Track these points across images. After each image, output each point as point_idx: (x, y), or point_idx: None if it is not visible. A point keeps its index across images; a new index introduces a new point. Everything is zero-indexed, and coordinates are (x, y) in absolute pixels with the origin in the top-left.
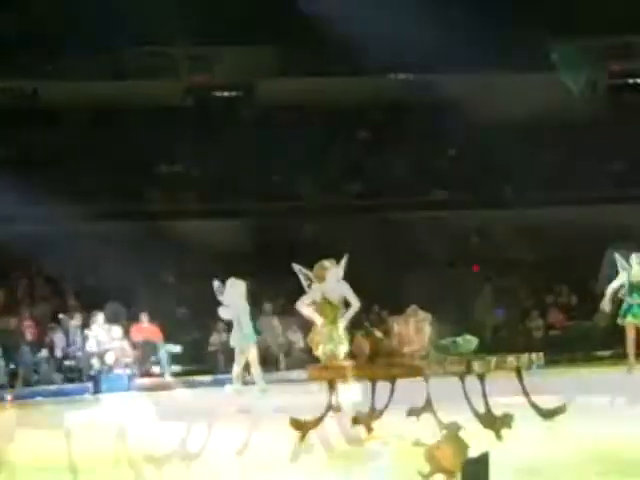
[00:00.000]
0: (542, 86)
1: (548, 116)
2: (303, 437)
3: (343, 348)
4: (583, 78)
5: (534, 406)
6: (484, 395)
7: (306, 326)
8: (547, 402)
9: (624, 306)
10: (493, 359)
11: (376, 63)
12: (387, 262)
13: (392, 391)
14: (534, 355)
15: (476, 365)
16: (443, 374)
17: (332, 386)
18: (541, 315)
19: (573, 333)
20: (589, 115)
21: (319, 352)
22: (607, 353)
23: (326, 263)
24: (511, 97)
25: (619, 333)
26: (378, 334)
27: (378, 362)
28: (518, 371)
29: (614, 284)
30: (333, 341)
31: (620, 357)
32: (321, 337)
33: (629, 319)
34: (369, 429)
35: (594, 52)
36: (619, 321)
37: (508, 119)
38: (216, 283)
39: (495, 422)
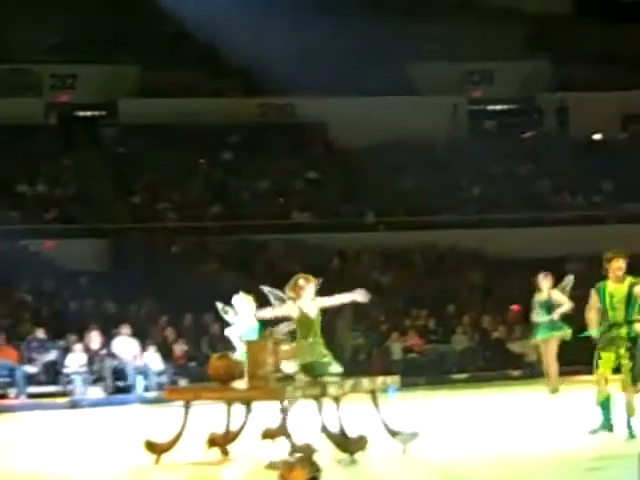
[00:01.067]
0: (403, 110)
1: (409, 140)
2: (158, 460)
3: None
4: (444, 103)
5: (388, 429)
6: (339, 418)
7: None
8: (402, 425)
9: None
10: (348, 382)
11: (238, 85)
12: (246, 284)
13: (248, 413)
14: (389, 378)
15: (331, 388)
16: (299, 397)
17: (187, 407)
18: (400, 338)
19: (430, 356)
20: (450, 140)
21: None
22: (463, 376)
23: (302, 280)
24: (372, 121)
25: (477, 357)
26: (234, 356)
27: (234, 384)
28: (373, 394)
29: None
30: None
31: (477, 379)
32: (302, 352)
33: (539, 337)
34: (224, 451)
35: (455, 78)
36: (531, 341)
37: (369, 142)
38: (219, 305)
39: (350, 445)
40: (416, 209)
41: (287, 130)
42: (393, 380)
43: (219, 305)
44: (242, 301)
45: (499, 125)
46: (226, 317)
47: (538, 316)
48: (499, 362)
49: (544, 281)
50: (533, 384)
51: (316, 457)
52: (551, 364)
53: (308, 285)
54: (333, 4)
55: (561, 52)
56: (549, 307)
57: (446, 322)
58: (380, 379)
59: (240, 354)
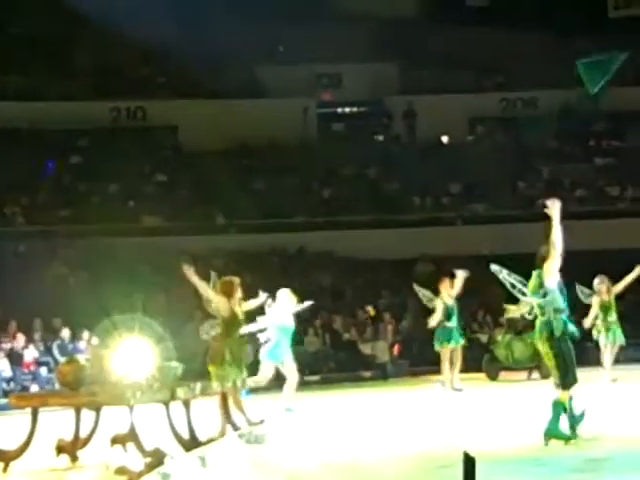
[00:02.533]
0: (253, 112)
1: (260, 142)
2: (6, 468)
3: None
4: (294, 106)
5: (240, 432)
6: (189, 421)
7: None
8: (257, 427)
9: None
10: (198, 385)
11: (89, 88)
12: (95, 288)
13: (97, 419)
14: (239, 381)
15: (180, 392)
16: (148, 402)
17: (35, 414)
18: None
19: None
20: (300, 142)
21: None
22: (315, 378)
23: (236, 279)
24: (222, 123)
25: (329, 359)
26: (83, 360)
27: (82, 390)
28: (224, 397)
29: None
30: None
31: (329, 381)
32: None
33: (452, 344)
34: (73, 458)
35: (305, 80)
36: (437, 347)
37: (220, 145)
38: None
39: (199, 447)
40: (267, 211)
41: (137, 133)
42: (244, 383)
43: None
44: (284, 297)
45: (348, 128)
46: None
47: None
48: (351, 363)
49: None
50: (384, 385)
51: (165, 461)
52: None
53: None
54: (184, 7)
55: (409, 55)
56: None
57: (298, 324)
58: (232, 382)
59: None
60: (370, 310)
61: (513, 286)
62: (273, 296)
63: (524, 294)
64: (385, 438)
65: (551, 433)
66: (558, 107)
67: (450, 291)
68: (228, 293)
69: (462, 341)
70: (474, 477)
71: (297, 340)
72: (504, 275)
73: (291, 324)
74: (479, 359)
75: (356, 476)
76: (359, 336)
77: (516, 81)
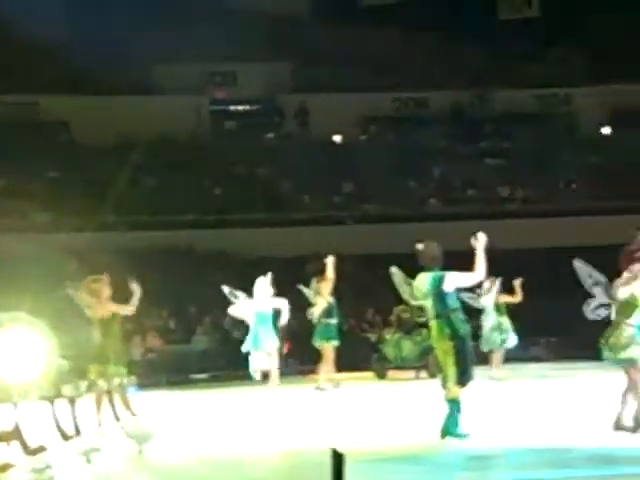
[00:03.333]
0: (146, 109)
1: (152, 140)
2: None
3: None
4: (187, 103)
5: (125, 430)
6: (74, 419)
7: None
8: (141, 425)
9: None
10: (84, 383)
11: None
12: None
13: None
14: (126, 378)
15: (66, 389)
16: (33, 399)
17: None
18: (140, 339)
19: (170, 356)
20: (192, 140)
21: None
22: (204, 376)
23: (102, 277)
24: (115, 120)
25: (218, 357)
26: None
27: None
28: (110, 395)
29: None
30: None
31: (218, 379)
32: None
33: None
34: None
35: (198, 78)
36: (317, 344)
37: (112, 141)
38: (226, 289)
39: (90, 446)
40: (157, 209)
41: (29, 129)
42: (130, 380)
43: (226, 289)
44: (261, 286)
45: (241, 126)
46: (235, 300)
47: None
48: (240, 362)
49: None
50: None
51: (48, 458)
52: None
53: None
54: (78, 3)
55: (302, 54)
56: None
57: (187, 322)
58: (117, 380)
59: None
60: None
61: (405, 290)
62: (158, 294)
63: (415, 298)
64: (265, 435)
65: (448, 431)
66: (449, 108)
67: (330, 289)
68: (96, 293)
69: (336, 341)
70: (342, 474)
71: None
72: (399, 280)
73: (269, 311)
74: (368, 358)
75: (231, 472)
76: (247, 334)
77: (408, 81)
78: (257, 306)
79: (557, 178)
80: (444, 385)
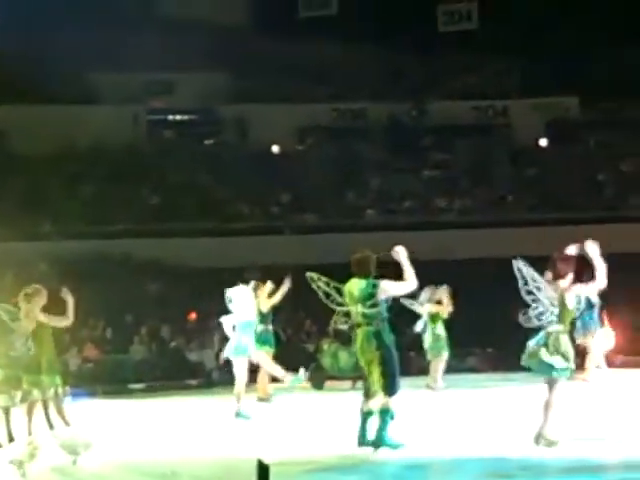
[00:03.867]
0: (84, 118)
1: (89, 149)
2: None
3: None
4: (125, 112)
5: (60, 440)
6: (8, 429)
7: None
8: (76, 435)
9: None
10: (18, 393)
11: None
12: None
13: None
14: (60, 388)
15: (0, 399)
16: None
17: None
18: (77, 349)
19: (107, 366)
20: (129, 149)
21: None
22: (141, 386)
23: (37, 287)
24: (52, 129)
25: (155, 367)
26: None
27: None
28: (45, 404)
29: None
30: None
31: (155, 389)
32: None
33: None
34: None
35: (136, 87)
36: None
37: (49, 151)
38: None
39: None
40: (93, 218)
41: None
42: (65, 390)
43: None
44: (240, 293)
45: (179, 135)
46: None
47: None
48: (177, 371)
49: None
50: (209, 393)
51: None
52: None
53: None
54: (15, 10)
55: (241, 64)
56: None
57: (124, 332)
58: (51, 390)
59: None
60: (192, 316)
61: (327, 295)
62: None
63: (339, 304)
64: (197, 445)
65: (381, 441)
66: (387, 119)
67: (266, 297)
68: (28, 302)
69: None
70: None
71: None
72: (319, 284)
73: (253, 318)
74: (305, 368)
75: None
76: (186, 344)
77: (346, 92)
78: (242, 315)
79: (493, 189)
80: (368, 395)
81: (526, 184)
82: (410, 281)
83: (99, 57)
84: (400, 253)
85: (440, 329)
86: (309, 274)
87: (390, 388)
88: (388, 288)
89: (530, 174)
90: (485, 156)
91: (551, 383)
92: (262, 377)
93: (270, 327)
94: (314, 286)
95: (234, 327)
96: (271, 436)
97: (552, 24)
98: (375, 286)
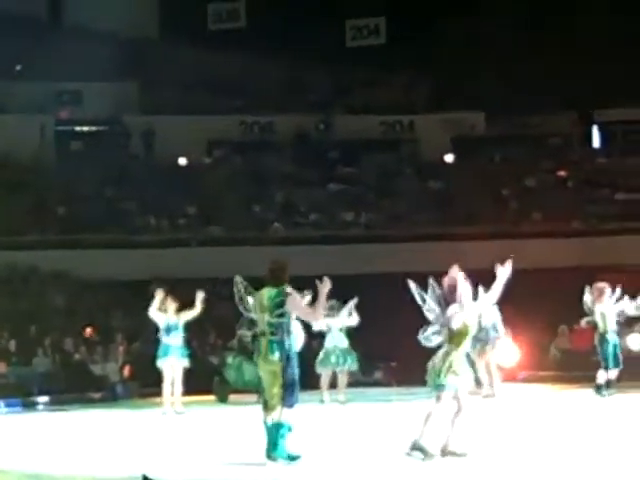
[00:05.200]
0: None
1: None
2: None
3: None
4: (31, 122)
5: None
6: None
7: None
8: None
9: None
10: None
11: None
12: None
13: None
14: None
15: None
16: None
17: None
18: None
19: (10, 378)
20: (36, 160)
21: None
22: (44, 399)
23: None
24: None
25: (59, 379)
26: None
27: None
28: None
29: None
30: None
31: (58, 402)
32: None
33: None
34: None
35: (43, 97)
36: (159, 363)
37: None
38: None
39: None
40: (0, 229)
41: None
42: None
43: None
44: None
45: (87, 146)
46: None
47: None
48: (80, 384)
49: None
50: (114, 406)
51: None
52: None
53: None
54: None
55: (149, 76)
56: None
57: (27, 344)
58: None
59: None
60: (88, 331)
61: (241, 300)
62: (2, 315)
63: (248, 310)
64: (90, 459)
65: (278, 454)
66: (294, 132)
67: (174, 312)
68: None
69: (185, 361)
70: None
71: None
72: (239, 287)
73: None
74: (210, 381)
75: None
76: (89, 357)
77: (254, 105)
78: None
79: (399, 204)
80: (268, 408)
81: (432, 199)
82: (317, 314)
83: (6, 66)
84: (325, 285)
85: (344, 341)
86: (236, 277)
87: (288, 400)
88: (296, 304)
89: (436, 189)
90: (391, 170)
91: (437, 398)
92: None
93: (169, 340)
94: (235, 290)
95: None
96: (170, 450)
97: (458, 41)
98: (286, 295)
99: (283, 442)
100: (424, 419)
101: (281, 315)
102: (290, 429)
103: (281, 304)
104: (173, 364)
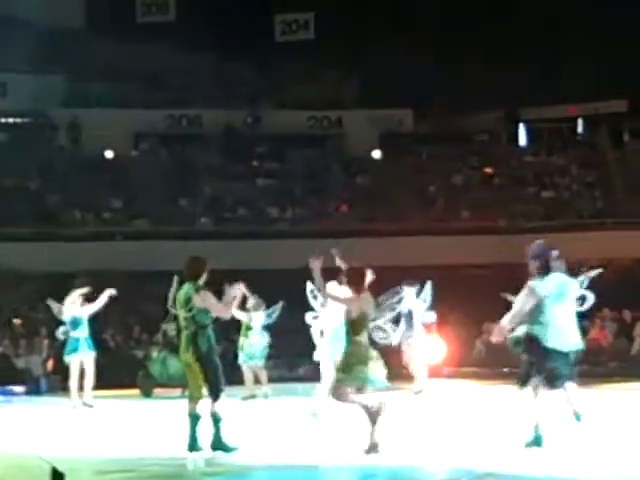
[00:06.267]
0: None
1: None
2: None
3: None
4: None
5: None
6: None
7: None
8: None
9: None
10: None
11: None
12: None
13: None
14: None
15: None
16: None
17: None
18: None
19: None
20: None
21: None
22: None
23: None
24: None
25: None
26: None
27: None
28: None
29: None
30: None
31: None
32: None
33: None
34: None
35: None
36: (66, 358)
37: None
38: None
39: None
40: None
41: None
42: None
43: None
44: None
45: (11, 138)
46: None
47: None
48: (4, 378)
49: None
50: (36, 400)
51: None
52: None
53: None
54: None
55: (75, 68)
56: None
57: None
58: None
59: None
60: (16, 322)
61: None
62: None
63: (173, 307)
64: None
65: (216, 445)
66: (222, 127)
67: (81, 302)
68: None
69: (92, 352)
70: None
71: None
72: (173, 284)
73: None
74: (134, 375)
75: None
76: (14, 350)
77: (182, 99)
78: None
79: (326, 199)
80: (192, 399)
81: (359, 195)
82: (227, 310)
83: None
84: (234, 291)
85: (256, 337)
86: (175, 276)
87: (212, 393)
88: (205, 300)
89: (363, 185)
90: (319, 166)
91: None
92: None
93: (76, 333)
94: (173, 284)
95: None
96: (95, 443)
97: (386, 38)
98: (196, 291)
99: (219, 434)
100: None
101: (190, 310)
102: (219, 420)
103: (190, 299)
104: (82, 358)
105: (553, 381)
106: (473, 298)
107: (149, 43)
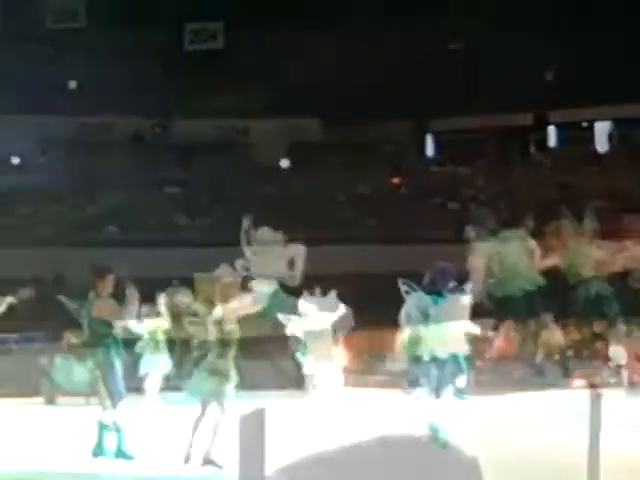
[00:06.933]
0: None
1: None
2: None
3: None
4: None
5: None
6: None
7: None
8: None
9: None
10: None
11: None
12: None
13: None
14: None
15: None
16: None
17: None
18: None
19: None
20: None
21: None
22: None
23: None
24: None
25: None
26: None
27: None
28: None
29: None
30: None
31: None
32: None
33: None
34: None
35: None
36: None
37: None
38: None
39: None
40: None
41: None
42: None
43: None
44: None
45: None
46: None
47: None
48: None
49: None
50: None
51: None
52: None
53: None
54: None
55: None
56: None
57: None
58: None
59: None
60: None
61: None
62: None
63: (79, 315)
64: None
65: (115, 453)
66: (131, 135)
67: None
68: None
69: None
70: None
71: None
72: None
73: None
74: (38, 383)
75: None
76: None
77: (92, 106)
78: None
79: (233, 208)
80: (103, 408)
81: (266, 204)
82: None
83: None
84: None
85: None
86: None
87: (113, 401)
88: (100, 308)
89: (271, 194)
90: (226, 175)
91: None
92: None
93: None
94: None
95: None
96: None
97: (296, 46)
98: (93, 300)
99: (115, 441)
100: (211, 430)
101: (95, 324)
102: (119, 429)
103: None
104: None
105: None
106: (382, 305)
107: (60, 49)
